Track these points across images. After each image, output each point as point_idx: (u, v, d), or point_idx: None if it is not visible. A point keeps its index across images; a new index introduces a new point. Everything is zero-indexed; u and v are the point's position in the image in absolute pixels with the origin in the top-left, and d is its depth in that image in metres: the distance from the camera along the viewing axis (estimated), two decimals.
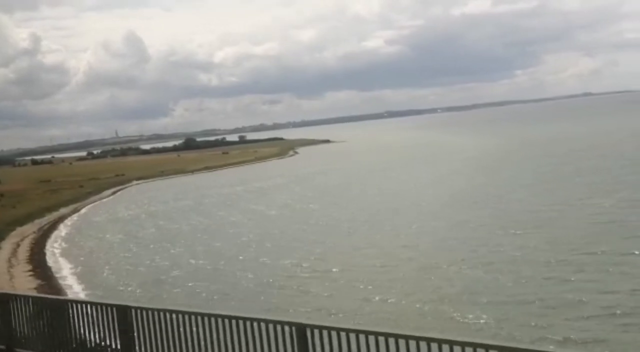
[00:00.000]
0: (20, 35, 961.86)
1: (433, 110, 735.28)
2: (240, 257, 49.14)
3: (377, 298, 34.23)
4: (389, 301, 33.74)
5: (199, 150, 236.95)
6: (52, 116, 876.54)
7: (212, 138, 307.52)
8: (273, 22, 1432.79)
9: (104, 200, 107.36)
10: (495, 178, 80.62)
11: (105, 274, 48.84)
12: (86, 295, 41.50)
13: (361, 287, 36.54)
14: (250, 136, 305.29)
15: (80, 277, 48.51)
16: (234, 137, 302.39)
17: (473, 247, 43.60)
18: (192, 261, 49.83)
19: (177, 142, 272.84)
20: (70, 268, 52.72)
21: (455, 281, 36.00)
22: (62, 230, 75.62)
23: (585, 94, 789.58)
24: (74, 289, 44.36)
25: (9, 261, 57.75)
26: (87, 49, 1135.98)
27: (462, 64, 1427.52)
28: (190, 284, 42.23)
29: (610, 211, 50.34)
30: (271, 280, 40.58)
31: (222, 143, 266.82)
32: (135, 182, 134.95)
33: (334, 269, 41.68)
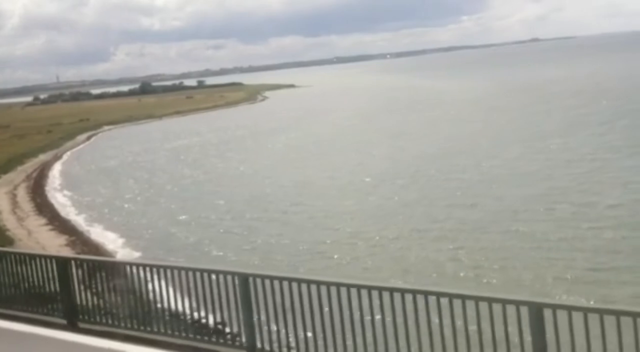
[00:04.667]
0: None
1: (382, 56, 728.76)
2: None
3: None
4: None
5: (157, 95, 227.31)
6: None
7: (169, 83, 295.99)
8: None
9: (81, 146, 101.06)
10: (516, 123, 76.75)
11: (143, 231, 43.52)
12: (139, 254, 36.40)
13: None
14: (206, 81, 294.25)
15: (114, 230, 43.14)
16: (190, 83, 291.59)
17: None
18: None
19: (131, 87, 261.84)
20: (91, 220, 47.28)
21: None
22: (55, 178, 69.57)
23: (533, 40, 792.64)
24: (117, 244, 39.13)
25: (14, 212, 51.76)
26: None
27: (409, 8, 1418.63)
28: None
29: None
30: None
31: (181, 87, 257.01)
32: (106, 127, 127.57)
33: None
